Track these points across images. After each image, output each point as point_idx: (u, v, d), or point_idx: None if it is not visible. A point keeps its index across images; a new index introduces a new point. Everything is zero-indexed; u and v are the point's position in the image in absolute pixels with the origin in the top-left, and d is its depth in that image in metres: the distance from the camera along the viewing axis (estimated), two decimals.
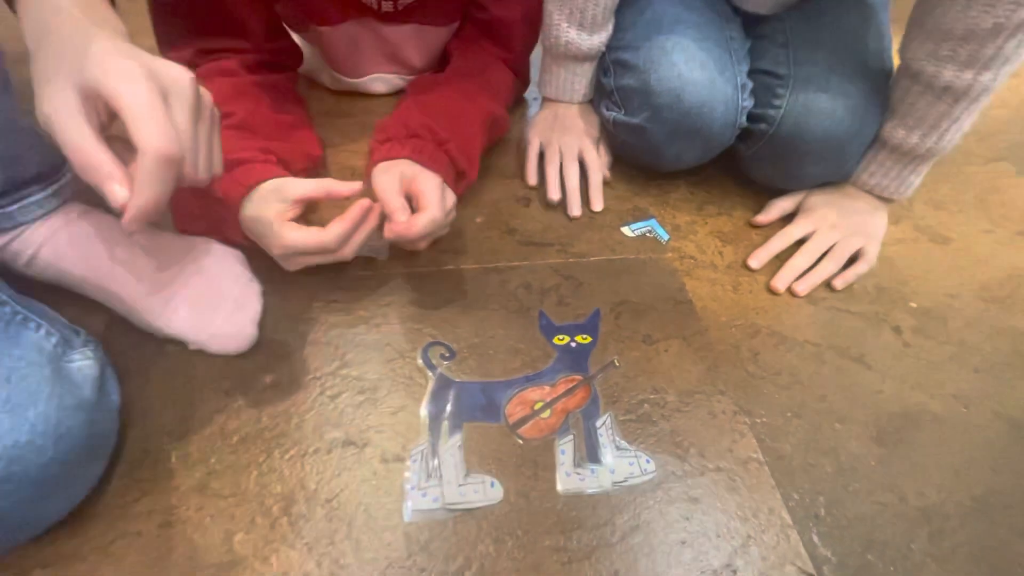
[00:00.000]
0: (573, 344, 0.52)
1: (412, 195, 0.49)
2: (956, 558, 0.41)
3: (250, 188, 0.47)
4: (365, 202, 0.46)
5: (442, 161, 0.53)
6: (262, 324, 0.49)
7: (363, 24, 0.68)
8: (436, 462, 0.43)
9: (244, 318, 0.48)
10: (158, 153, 0.29)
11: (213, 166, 0.35)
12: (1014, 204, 0.72)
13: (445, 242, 0.59)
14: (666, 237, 0.63)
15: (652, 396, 0.49)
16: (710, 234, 0.64)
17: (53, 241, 0.47)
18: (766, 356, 0.53)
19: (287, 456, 0.43)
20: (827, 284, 0.60)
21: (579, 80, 0.68)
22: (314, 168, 0.61)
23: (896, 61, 0.58)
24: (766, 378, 0.51)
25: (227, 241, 0.51)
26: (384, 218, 0.48)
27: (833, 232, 0.61)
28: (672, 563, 0.39)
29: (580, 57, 0.65)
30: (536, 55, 0.72)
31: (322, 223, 0.45)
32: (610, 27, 0.64)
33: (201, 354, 0.47)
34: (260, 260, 0.50)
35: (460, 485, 0.42)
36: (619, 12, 0.64)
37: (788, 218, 0.65)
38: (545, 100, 0.72)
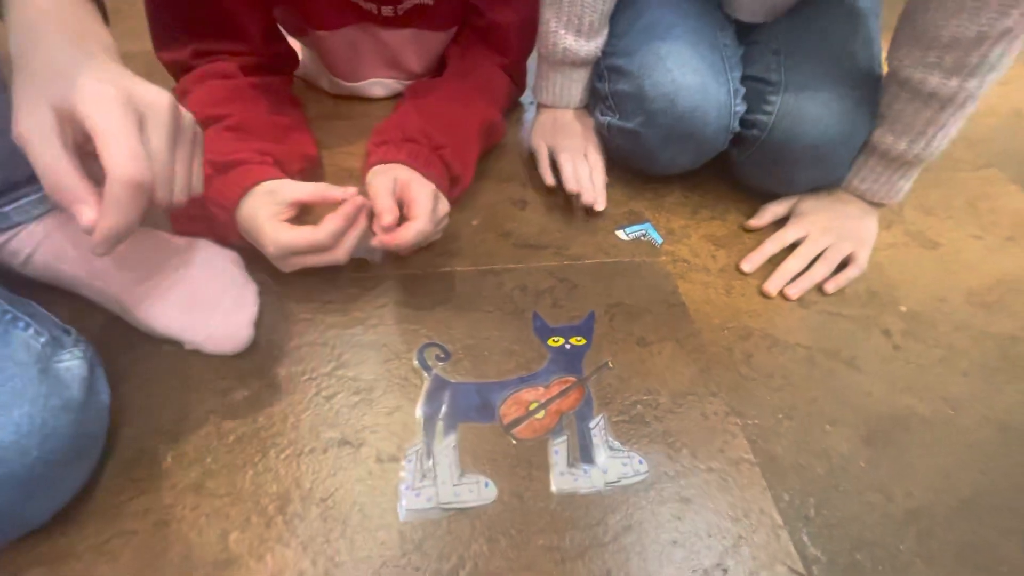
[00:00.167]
0: (567, 346, 0.52)
1: (404, 202, 0.49)
2: (943, 558, 0.42)
3: (246, 190, 0.47)
4: (358, 199, 0.46)
5: (437, 166, 0.54)
6: (258, 324, 0.49)
7: (363, 29, 0.68)
8: (431, 462, 0.43)
9: (241, 319, 0.48)
10: (125, 179, 0.29)
11: (192, 187, 0.35)
12: (1003, 210, 0.73)
13: (441, 244, 0.59)
14: (660, 241, 0.64)
15: (645, 397, 0.49)
16: (704, 238, 0.65)
17: (49, 241, 0.47)
18: (758, 359, 0.53)
19: (283, 456, 0.43)
20: (819, 288, 0.60)
21: (576, 86, 0.69)
22: (310, 169, 0.61)
23: (885, 68, 0.59)
24: (758, 380, 0.52)
25: (224, 242, 0.51)
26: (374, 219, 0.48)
27: (825, 237, 0.62)
28: (664, 562, 0.40)
29: (577, 63, 0.66)
30: (532, 60, 0.73)
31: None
32: (605, 33, 0.65)
33: (197, 354, 0.47)
34: (257, 262, 0.50)
35: (455, 485, 0.42)
36: (614, 19, 0.65)
37: (781, 222, 0.66)
38: (540, 106, 0.72)
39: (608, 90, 0.65)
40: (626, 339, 0.53)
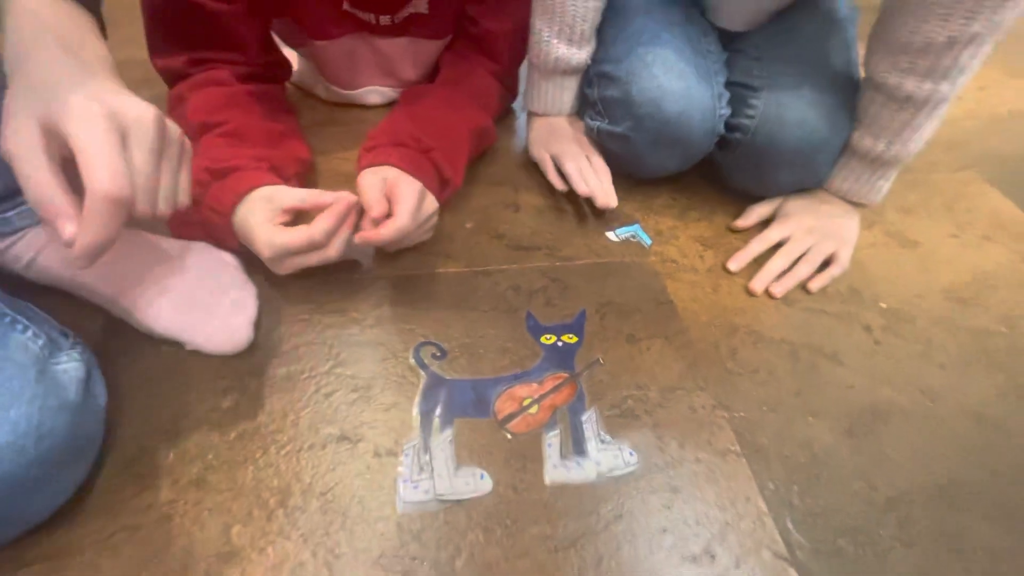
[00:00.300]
0: (560, 343, 0.53)
1: (391, 199, 0.50)
2: (922, 542, 0.43)
3: (242, 195, 0.48)
4: (350, 198, 0.47)
5: (426, 168, 0.55)
6: (257, 325, 0.50)
7: (360, 38, 0.69)
8: (428, 456, 0.45)
9: (240, 320, 0.49)
10: (104, 194, 0.30)
11: (178, 199, 0.36)
12: (979, 210, 0.76)
13: (436, 246, 0.61)
14: (649, 242, 0.66)
15: (635, 392, 0.51)
16: (691, 238, 0.67)
17: (52, 245, 0.48)
18: (744, 354, 0.55)
19: (283, 451, 0.44)
20: (802, 286, 0.62)
21: (567, 93, 0.70)
22: (305, 173, 0.63)
23: (863, 73, 0.61)
24: (744, 375, 0.53)
25: (222, 247, 0.52)
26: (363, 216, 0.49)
27: (808, 236, 0.64)
28: (654, 549, 0.41)
29: (568, 72, 0.68)
30: (521, 69, 0.75)
31: None
32: (594, 42, 0.67)
33: (197, 354, 0.48)
34: (255, 265, 0.52)
35: (451, 478, 0.43)
36: (602, 28, 0.67)
37: (766, 223, 0.68)
38: (531, 114, 0.74)
39: (597, 96, 0.67)
40: (616, 336, 0.55)
